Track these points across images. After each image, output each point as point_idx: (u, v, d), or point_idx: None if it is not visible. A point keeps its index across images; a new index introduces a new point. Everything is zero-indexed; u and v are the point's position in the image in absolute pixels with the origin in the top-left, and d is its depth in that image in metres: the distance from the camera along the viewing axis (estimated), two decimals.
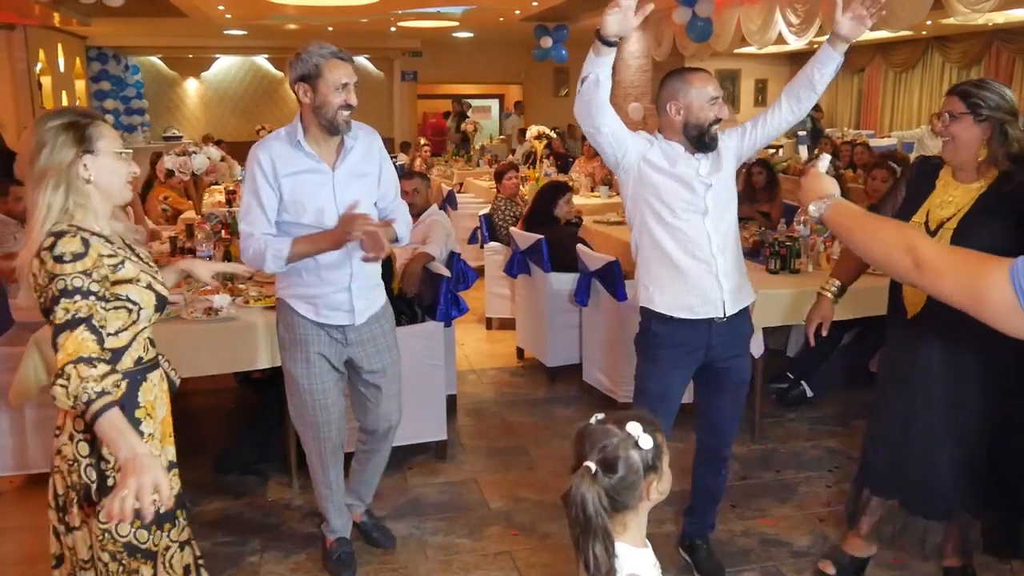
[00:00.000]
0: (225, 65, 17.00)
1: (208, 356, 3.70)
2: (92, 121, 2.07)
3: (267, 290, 4.00)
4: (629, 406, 3.40)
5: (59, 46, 12.93)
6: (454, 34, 14.95)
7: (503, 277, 6.00)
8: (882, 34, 13.55)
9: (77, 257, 1.93)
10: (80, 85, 14.24)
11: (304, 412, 3.09)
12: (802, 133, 15.09)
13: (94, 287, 1.94)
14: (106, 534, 2.06)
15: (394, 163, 10.37)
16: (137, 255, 2.18)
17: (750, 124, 2.98)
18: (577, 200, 6.28)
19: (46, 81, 12.41)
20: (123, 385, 2.02)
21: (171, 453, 2.25)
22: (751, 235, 5.10)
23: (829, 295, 3.05)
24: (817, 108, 16.20)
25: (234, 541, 3.48)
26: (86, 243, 1.96)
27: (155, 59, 16.77)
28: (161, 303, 2.15)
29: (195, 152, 5.25)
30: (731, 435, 3.15)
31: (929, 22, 10.31)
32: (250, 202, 2.87)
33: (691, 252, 2.85)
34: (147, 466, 1.80)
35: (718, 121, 2.84)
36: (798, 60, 18.38)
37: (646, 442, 1.69)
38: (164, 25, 13.16)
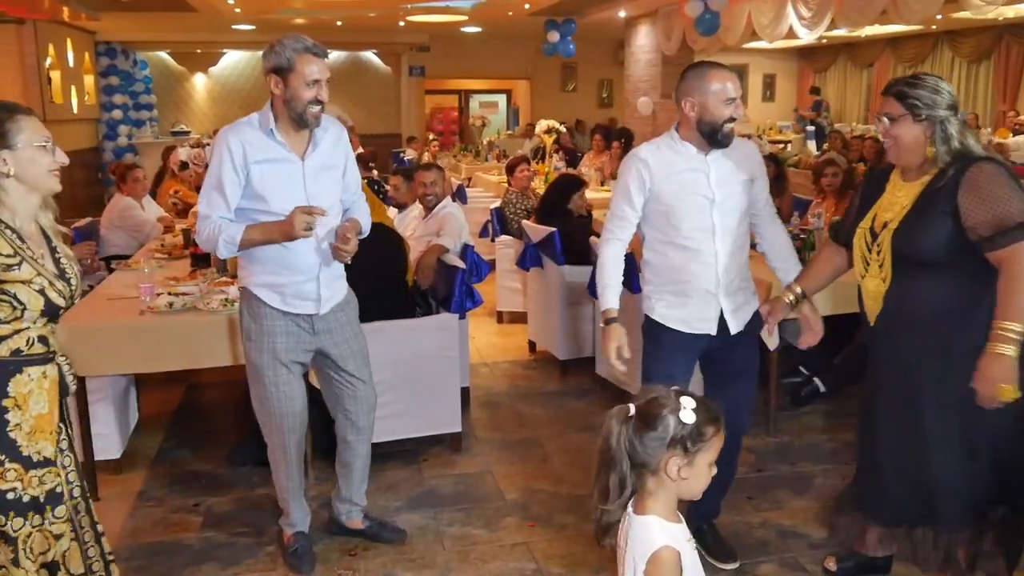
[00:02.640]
0: (233, 60, 16.99)
1: (223, 347, 3.71)
2: (11, 116, 2.13)
3: None
4: None
5: (68, 41, 12.94)
6: (462, 29, 14.92)
7: (514, 271, 6.00)
8: (892, 28, 13.51)
9: None
10: (89, 80, 14.24)
11: (268, 403, 3.08)
12: (810, 128, 15.08)
13: None
14: None
15: (400, 157, 10.38)
16: (55, 256, 2.25)
17: (756, 206, 3.03)
18: (587, 194, 6.26)
19: (55, 76, 12.41)
20: None
21: (47, 449, 2.24)
22: None
23: (787, 300, 2.96)
24: (824, 104, 16.20)
25: (250, 532, 3.48)
26: None
27: (163, 54, 16.76)
28: (51, 309, 2.20)
29: (208, 144, 5.26)
30: (744, 425, 3.14)
31: (940, 16, 10.25)
32: (211, 184, 2.89)
33: (695, 272, 2.90)
34: None
35: (733, 120, 2.84)
36: (807, 55, 18.36)
37: (687, 416, 1.71)
38: (173, 20, 13.16)
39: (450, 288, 4.19)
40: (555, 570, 3.19)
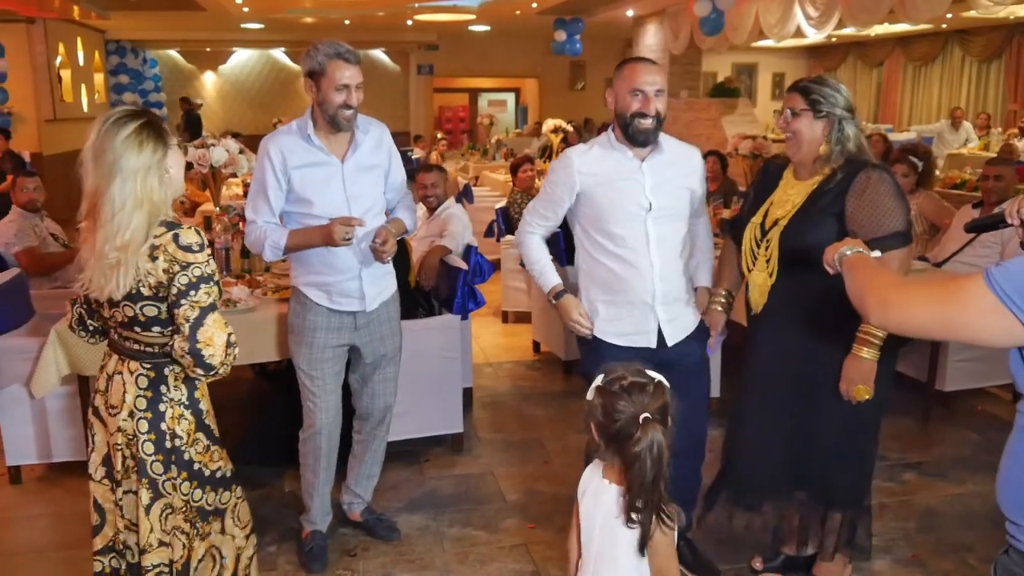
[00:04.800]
0: (242, 58, 17.06)
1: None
2: (160, 119, 2.24)
3: (285, 282, 4.02)
4: None
5: (78, 39, 13.02)
6: (470, 27, 14.94)
7: (519, 270, 6.00)
8: (902, 27, 13.46)
9: (201, 247, 2.15)
10: (99, 78, 14.33)
11: (306, 397, 3.17)
12: None
13: (216, 275, 2.19)
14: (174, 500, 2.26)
15: (409, 156, 10.39)
16: None
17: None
18: None
19: (66, 74, 12.50)
20: None
21: (217, 429, 2.43)
22: None
23: (718, 307, 2.99)
24: None
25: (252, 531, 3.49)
26: (199, 233, 2.16)
27: (173, 52, 16.86)
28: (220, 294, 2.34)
29: (214, 145, 5.28)
30: (703, 431, 3.05)
31: (950, 15, 10.21)
32: (257, 191, 3.00)
33: (630, 283, 2.82)
34: None
35: (644, 116, 2.73)
36: (816, 54, 18.30)
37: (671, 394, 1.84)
38: (182, 18, 13.23)
39: (452, 289, 4.20)
40: (553, 572, 3.20)
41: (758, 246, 2.74)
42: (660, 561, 1.85)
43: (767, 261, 2.71)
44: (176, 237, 2.12)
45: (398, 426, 3.96)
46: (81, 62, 13.18)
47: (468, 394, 4.72)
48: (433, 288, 4.42)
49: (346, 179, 2.99)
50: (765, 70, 18.53)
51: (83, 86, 13.20)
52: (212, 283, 2.14)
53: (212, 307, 2.13)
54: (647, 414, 1.79)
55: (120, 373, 2.23)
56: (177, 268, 2.11)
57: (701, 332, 2.98)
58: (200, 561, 2.33)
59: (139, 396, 2.20)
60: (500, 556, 3.31)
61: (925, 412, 4.54)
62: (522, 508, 3.69)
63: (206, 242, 2.18)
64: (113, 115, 2.16)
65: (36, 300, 4.29)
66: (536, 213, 3.02)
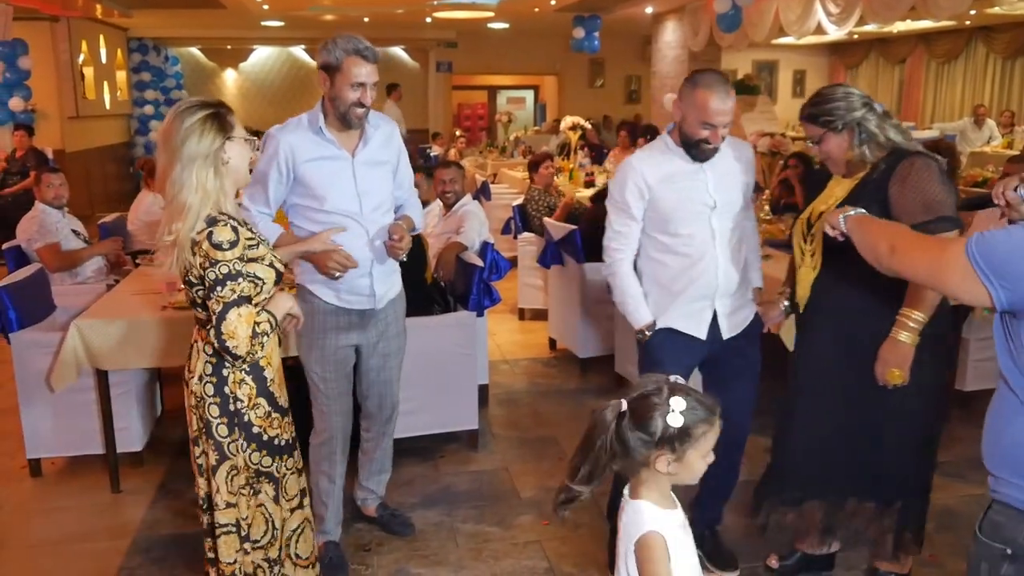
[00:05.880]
0: (263, 56, 17.14)
1: None
2: (229, 110, 2.36)
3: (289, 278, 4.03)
4: None
5: (101, 37, 13.13)
6: (489, 25, 14.92)
7: (536, 268, 6.00)
8: (924, 24, 13.32)
9: (233, 244, 2.25)
10: (121, 76, 14.44)
11: (316, 400, 3.12)
12: None
13: (244, 269, 2.29)
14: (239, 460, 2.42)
15: (428, 153, 10.37)
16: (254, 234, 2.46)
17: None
18: None
19: (88, 72, 12.60)
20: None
21: (285, 394, 2.55)
22: (787, 227, 5.05)
23: (782, 306, 3.02)
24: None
25: None
26: (235, 230, 2.27)
27: (194, 50, 16.95)
28: (278, 276, 2.44)
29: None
30: (745, 429, 3.07)
31: (973, 11, 10.09)
32: (256, 179, 2.92)
33: (693, 279, 2.86)
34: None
35: (708, 143, 2.76)
36: (838, 51, 18.14)
37: (675, 420, 1.72)
38: (203, 16, 13.30)
39: (468, 286, 4.20)
40: (567, 569, 3.21)
41: (805, 240, 2.77)
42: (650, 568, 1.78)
43: (812, 256, 2.73)
44: (210, 235, 2.23)
45: (413, 422, 3.99)
46: (104, 60, 13.29)
47: (484, 391, 4.72)
48: (449, 284, 4.43)
49: (356, 174, 2.95)
50: (786, 67, 18.38)
51: (105, 84, 13.31)
52: (239, 279, 2.25)
53: (237, 302, 2.24)
54: (623, 400, 1.78)
55: (197, 341, 2.43)
56: (208, 264, 2.24)
57: (756, 327, 3.03)
58: (255, 514, 2.47)
59: (206, 362, 2.37)
60: (514, 552, 3.32)
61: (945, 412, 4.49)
62: (536, 505, 3.69)
63: (241, 238, 2.27)
64: (185, 103, 2.33)
65: (56, 295, 4.34)
66: (613, 232, 2.96)
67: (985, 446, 1.72)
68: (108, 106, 13.39)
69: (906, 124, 13.31)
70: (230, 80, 17.24)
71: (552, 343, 5.84)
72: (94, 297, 4.32)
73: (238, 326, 2.24)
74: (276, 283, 2.45)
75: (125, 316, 3.76)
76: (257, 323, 2.28)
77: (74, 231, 5.22)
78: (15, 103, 9.90)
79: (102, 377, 3.73)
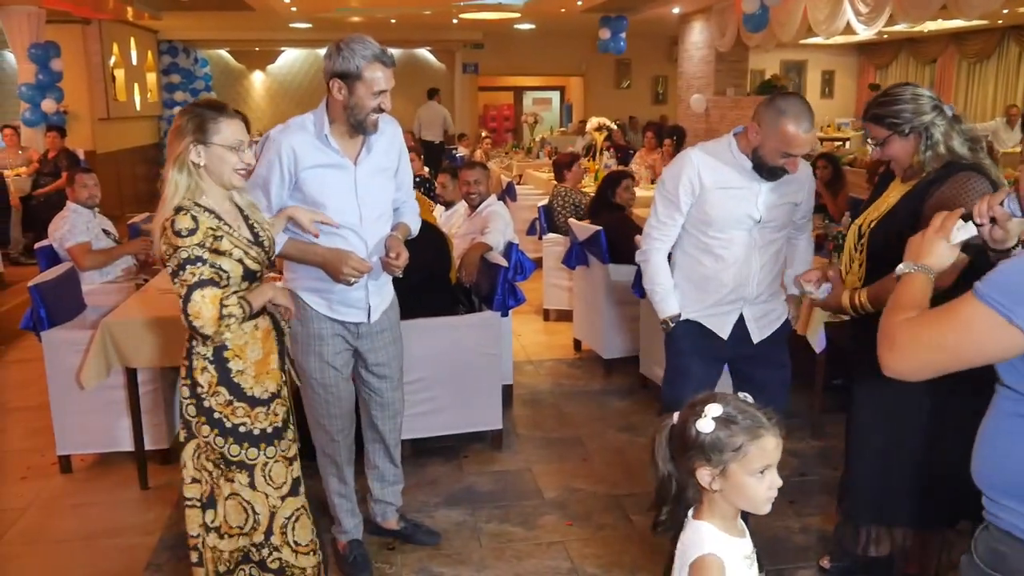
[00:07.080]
0: (290, 58, 17.26)
1: None
2: (215, 117, 2.42)
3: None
4: None
5: (132, 40, 13.28)
6: (516, 26, 14.93)
7: (561, 268, 6.00)
8: (956, 23, 13.15)
9: (192, 231, 2.35)
10: (151, 78, 14.60)
11: (317, 406, 3.06)
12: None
13: (205, 255, 2.38)
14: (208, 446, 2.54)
15: (453, 154, 10.38)
16: (249, 226, 2.55)
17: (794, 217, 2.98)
18: (638, 192, 6.23)
19: (119, 74, 12.76)
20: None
21: (272, 386, 2.61)
22: (814, 228, 5.00)
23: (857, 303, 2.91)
24: None
25: None
26: (195, 219, 2.37)
27: (223, 52, 17.11)
28: (248, 273, 2.50)
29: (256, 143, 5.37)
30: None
31: (1006, 11, 9.96)
32: (256, 184, 2.81)
33: (726, 283, 2.87)
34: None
35: (783, 169, 2.76)
36: (866, 51, 17.96)
37: (705, 426, 1.67)
38: (232, 18, 13.44)
39: (493, 286, 4.21)
40: (590, 570, 3.20)
41: (855, 248, 2.70)
42: None
43: (860, 266, 2.66)
44: (173, 223, 2.37)
45: (438, 421, 4.00)
46: (134, 62, 13.44)
47: (508, 391, 4.73)
48: (474, 285, 4.44)
49: (358, 182, 2.85)
50: (814, 67, 18.23)
51: (136, 85, 13.46)
52: (198, 264, 2.36)
53: (200, 284, 2.35)
54: (675, 415, 1.76)
55: None
56: (171, 250, 2.37)
57: (784, 330, 3.02)
58: (227, 499, 2.57)
59: (185, 344, 2.55)
60: (537, 552, 3.31)
61: None
62: (560, 505, 3.68)
63: (201, 227, 2.37)
64: (188, 105, 2.54)
65: (87, 294, 4.40)
66: (657, 220, 2.95)
67: (982, 468, 1.58)
68: (138, 108, 13.54)
69: None
70: (258, 82, 17.39)
71: (577, 344, 5.83)
72: (124, 296, 4.37)
73: (203, 306, 2.34)
74: (249, 279, 2.50)
75: (154, 315, 3.80)
76: (224, 304, 2.37)
77: (104, 231, 5.29)
78: (48, 105, 10.04)
79: (131, 375, 3.77)
